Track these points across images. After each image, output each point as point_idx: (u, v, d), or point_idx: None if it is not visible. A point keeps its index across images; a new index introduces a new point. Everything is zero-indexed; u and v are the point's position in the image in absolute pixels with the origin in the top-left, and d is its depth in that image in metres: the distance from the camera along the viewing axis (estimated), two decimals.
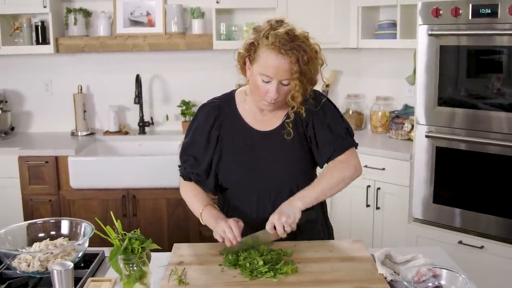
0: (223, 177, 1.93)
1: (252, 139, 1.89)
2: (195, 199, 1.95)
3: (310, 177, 1.94)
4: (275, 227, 1.73)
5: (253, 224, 1.87)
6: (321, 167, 1.96)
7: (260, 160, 1.88)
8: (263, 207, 1.90)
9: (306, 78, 1.73)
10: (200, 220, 1.90)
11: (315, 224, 1.98)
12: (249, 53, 1.77)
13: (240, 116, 1.91)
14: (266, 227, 1.75)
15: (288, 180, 1.89)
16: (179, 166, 2.00)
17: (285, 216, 1.72)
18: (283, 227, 1.72)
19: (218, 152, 1.90)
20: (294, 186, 1.88)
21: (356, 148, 1.94)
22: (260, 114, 1.90)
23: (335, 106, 1.95)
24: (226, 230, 1.74)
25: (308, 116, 1.86)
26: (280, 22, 1.75)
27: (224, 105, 1.94)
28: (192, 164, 1.93)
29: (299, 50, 1.69)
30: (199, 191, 1.97)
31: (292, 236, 1.83)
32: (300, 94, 1.75)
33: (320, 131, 1.87)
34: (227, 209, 1.98)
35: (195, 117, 1.97)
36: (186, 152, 1.95)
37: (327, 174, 1.86)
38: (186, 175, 1.97)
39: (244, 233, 1.80)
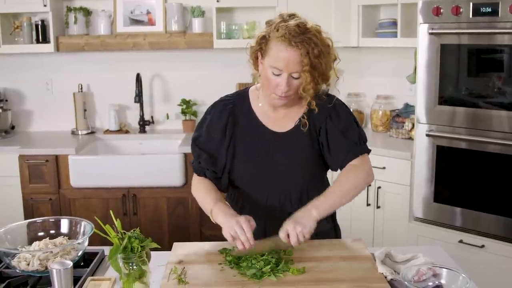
0: (235, 175, 1.90)
1: (266, 139, 1.87)
2: (206, 196, 1.87)
3: (320, 181, 1.93)
4: (288, 235, 1.67)
5: (262, 224, 1.85)
6: (334, 170, 1.93)
7: (272, 161, 1.86)
8: (272, 209, 1.89)
9: (318, 72, 1.71)
10: (211, 218, 1.82)
11: (326, 225, 1.96)
12: (260, 46, 1.76)
13: (255, 114, 1.89)
14: (279, 234, 1.68)
15: (298, 183, 1.88)
16: (192, 162, 1.94)
17: (300, 226, 1.65)
18: (297, 236, 1.66)
19: (232, 150, 1.88)
20: (304, 189, 1.87)
21: (368, 154, 1.91)
22: (273, 113, 1.87)
23: (350, 112, 1.92)
24: (238, 230, 1.65)
25: (322, 119, 1.83)
26: (292, 16, 1.74)
27: (238, 102, 1.91)
28: (207, 159, 1.88)
29: (309, 43, 1.67)
30: (211, 188, 1.89)
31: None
32: (311, 87, 1.73)
33: (333, 137, 1.85)
34: (236, 209, 1.94)
35: (207, 114, 1.93)
36: (198, 147, 1.91)
37: (341, 181, 1.82)
38: (200, 170, 1.91)
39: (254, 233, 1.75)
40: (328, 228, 1.86)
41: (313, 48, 1.67)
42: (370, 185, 3.34)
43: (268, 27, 1.75)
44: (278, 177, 1.86)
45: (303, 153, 1.86)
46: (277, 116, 1.88)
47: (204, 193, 1.89)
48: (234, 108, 1.90)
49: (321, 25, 1.76)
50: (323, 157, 1.89)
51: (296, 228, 1.65)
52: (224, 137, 1.87)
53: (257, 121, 1.88)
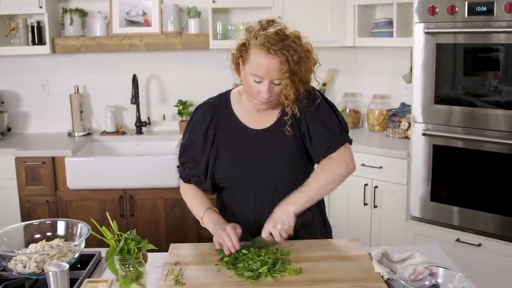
0: (220, 177, 1.93)
1: (248, 138, 1.90)
2: (196, 202, 1.96)
3: (306, 173, 1.93)
4: (271, 234, 1.74)
5: (252, 223, 1.88)
6: (317, 163, 1.95)
7: (256, 158, 1.88)
8: (261, 206, 1.90)
9: (298, 78, 1.73)
10: (201, 223, 1.91)
11: (312, 226, 1.98)
12: (241, 54, 1.78)
13: (235, 115, 1.92)
14: (262, 234, 1.76)
15: (284, 177, 1.90)
16: (178, 167, 2.01)
17: (280, 223, 1.73)
18: (280, 233, 1.73)
19: (215, 152, 1.90)
20: (290, 183, 1.88)
21: (350, 144, 1.93)
22: (255, 113, 1.90)
23: (330, 103, 1.94)
24: (225, 238, 1.75)
25: (302, 112, 1.85)
26: (271, 22, 1.75)
27: (219, 105, 1.94)
28: (191, 166, 1.93)
29: (288, 50, 1.69)
30: (199, 194, 1.98)
31: (295, 234, 1.84)
32: (292, 93, 1.75)
33: (313, 127, 1.87)
34: (225, 210, 1.98)
35: (191, 118, 1.97)
36: (184, 154, 1.96)
37: (319, 174, 1.86)
38: (186, 177, 1.98)
39: (242, 236, 1.81)
40: (309, 217, 1.87)
41: (292, 55, 1.69)
42: (367, 185, 3.35)
43: (248, 34, 1.76)
44: (264, 174, 1.88)
45: (286, 147, 1.88)
46: (259, 116, 1.90)
47: (193, 199, 1.98)
48: (216, 110, 1.93)
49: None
50: (307, 149, 1.91)
51: (276, 226, 1.73)
52: (206, 140, 1.90)
53: (238, 122, 1.91)
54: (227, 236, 1.75)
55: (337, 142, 1.88)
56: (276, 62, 1.69)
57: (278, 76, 1.72)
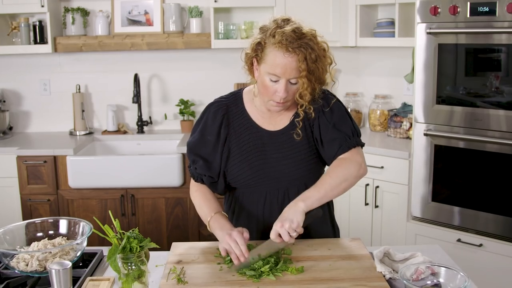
0: (231, 177, 1.90)
1: (261, 138, 1.87)
2: (204, 205, 1.90)
3: (318, 176, 1.91)
4: (280, 235, 1.67)
5: (261, 224, 1.87)
6: (328, 164, 1.91)
7: (268, 160, 1.86)
8: (271, 207, 1.89)
9: (314, 77, 1.71)
10: (208, 228, 1.85)
11: (325, 225, 1.97)
12: (256, 53, 1.75)
13: (248, 115, 1.89)
14: (270, 236, 1.67)
15: (296, 180, 1.88)
16: (189, 167, 1.96)
17: (288, 222, 1.64)
18: (288, 233, 1.66)
19: (226, 152, 1.88)
20: (302, 186, 1.86)
21: (362, 147, 1.90)
22: (268, 114, 1.88)
23: (344, 107, 1.92)
24: (232, 244, 1.67)
25: (316, 113, 1.83)
26: (286, 21, 1.73)
27: (231, 104, 1.91)
28: (203, 165, 1.89)
29: (306, 48, 1.67)
30: (209, 196, 1.92)
31: (303, 235, 1.80)
32: (308, 93, 1.73)
33: (325, 130, 1.84)
34: (235, 209, 1.96)
35: (202, 116, 1.93)
36: (194, 152, 1.92)
37: (331, 173, 1.81)
38: (197, 176, 1.94)
39: (251, 238, 1.77)
40: (318, 211, 1.80)
41: (310, 53, 1.67)
42: (368, 185, 3.36)
43: (263, 33, 1.74)
44: (275, 176, 1.86)
45: (298, 150, 1.86)
46: (271, 116, 1.88)
47: (202, 202, 1.92)
48: (228, 109, 1.90)
49: (316, 28, 1.76)
50: (319, 152, 1.89)
51: (284, 225, 1.65)
52: (219, 139, 1.87)
53: (251, 122, 1.89)
54: (234, 242, 1.67)
55: (348, 143, 1.84)
56: (294, 60, 1.67)
57: (296, 74, 1.70)
